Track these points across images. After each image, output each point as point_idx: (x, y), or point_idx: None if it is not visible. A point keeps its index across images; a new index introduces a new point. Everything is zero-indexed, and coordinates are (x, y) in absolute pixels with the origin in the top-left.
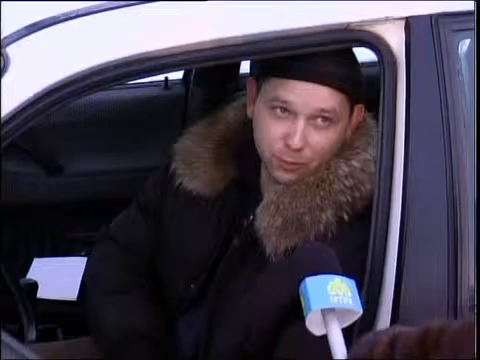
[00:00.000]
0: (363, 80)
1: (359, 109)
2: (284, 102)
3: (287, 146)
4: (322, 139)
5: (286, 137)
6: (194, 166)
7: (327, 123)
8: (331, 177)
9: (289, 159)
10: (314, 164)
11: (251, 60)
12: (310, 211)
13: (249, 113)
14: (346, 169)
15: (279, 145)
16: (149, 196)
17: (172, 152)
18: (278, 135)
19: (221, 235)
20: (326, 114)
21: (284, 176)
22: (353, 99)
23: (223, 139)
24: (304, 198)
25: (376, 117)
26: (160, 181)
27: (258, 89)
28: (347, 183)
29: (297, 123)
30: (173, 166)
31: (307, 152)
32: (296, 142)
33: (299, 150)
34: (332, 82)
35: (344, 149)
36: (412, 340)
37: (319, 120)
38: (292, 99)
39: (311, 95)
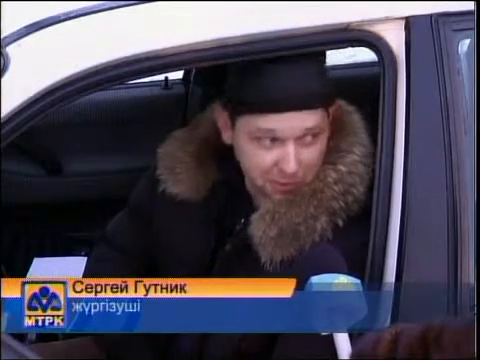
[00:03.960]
0: (332, 82)
1: (334, 110)
2: (269, 131)
3: (281, 171)
4: (312, 154)
5: (278, 163)
6: (176, 171)
7: (313, 138)
8: (321, 185)
9: (284, 181)
10: (309, 178)
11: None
12: (305, 221)
13: (226, 139)
14: (334, 175)
15: (273, 172)
16: (138, 201)
17: (156, 158)
18: (270, 163)
19: (212, 238)
20: (312, 131)
21: (283, 196)
22: (329, 106)
23: (205, 141)
24: (299, 208)
25: (362, 114)
26: (148, 186)
27: (232, 120)
28: (337, 189)
29: (288, 148)
30: (158, 172)
31: (301, 171)
32: (292, 167)
33: (296, 173)
34: (310, 104)
35: (330, 153)
36: (413, 337)
37: (306, 138)
38: (277, 127)
39: (293, 120)
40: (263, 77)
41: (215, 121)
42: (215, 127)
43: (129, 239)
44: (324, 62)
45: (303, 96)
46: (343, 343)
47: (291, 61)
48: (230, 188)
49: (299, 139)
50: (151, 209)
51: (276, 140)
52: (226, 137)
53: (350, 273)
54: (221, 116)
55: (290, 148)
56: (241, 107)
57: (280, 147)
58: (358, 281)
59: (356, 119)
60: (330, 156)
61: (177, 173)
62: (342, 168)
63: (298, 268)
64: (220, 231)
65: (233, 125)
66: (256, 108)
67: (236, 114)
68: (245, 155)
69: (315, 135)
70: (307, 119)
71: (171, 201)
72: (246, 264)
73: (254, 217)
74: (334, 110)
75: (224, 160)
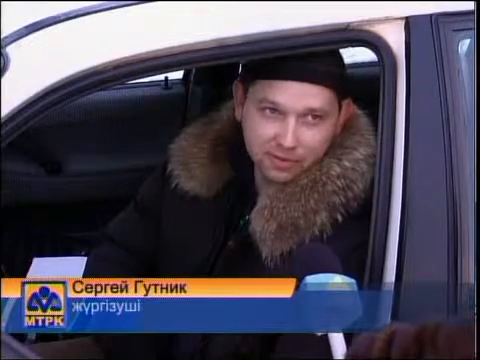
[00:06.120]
0: (349, 76)
1: (347, 105)
2: (273, 103)
3: (279, 145)
4: (313, 136)
5: (277, 137)
6: (190, 166)
7: (317, 120)
8: (324, 178)
9: (282, 155)
10: (307, 162)
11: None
12: (305, 215)
13: (238, 116)
14: (338, 169)
15: (271, 145)
16: (147, 197)
17: (169, 153)
18: (269, 135)
19: (219, 236)
20: (315, 112)
21: (279, 175)
22: (340, 95)
23: (219, 139)
24: (298, 202)
25: (368, 115)
26: (157, 182)
27: (245, 92)
28: (339, 183)
29: (288, 122)
30: (170, 167)
31: (300, 150)
32: (289, 141)
33: (292, 149)
34: (319, 80)
35: (335, 149)
36: (408, 337)
37: (309, 118)
38: (281, 99)
39: (299, 94)
40: None
41: (230, 118)
42: (229, 124)
43: (136, 237)
44: (340, 53)
45: (314, 70)
46: (338, 343)
47: None
48: (241, 186)
49: (301, 117)
50: (161, 206)
51: (279, 113)
52: (238, 114)
53: (345, 273)
54: (238, 89)
55: (290, 123)
56: (255, 72)
57: (281, 121)
58: (353, 281)
59: (364, 121)
60: (335, 151)
61: (191, 168)
62: (346, 164)
63: (294, 267)
64: (227, 228)
65: (245, 99)
66: (268, 73)
67: (250, 81)
68: (249, 125)
69: (320, 118)
70: (312, 97)
71: (182, 197)
72: (248, 260)
73: (253, 213)
74: (346, 105)
75: (237, 158)
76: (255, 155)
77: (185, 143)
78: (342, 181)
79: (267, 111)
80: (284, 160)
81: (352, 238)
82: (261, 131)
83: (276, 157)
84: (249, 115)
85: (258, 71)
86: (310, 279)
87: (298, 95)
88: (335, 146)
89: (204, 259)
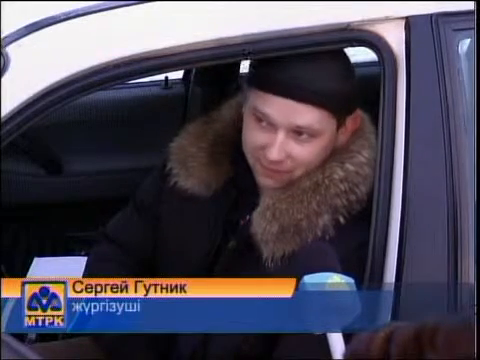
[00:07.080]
0: (352, 92)
1: (352, 120)
2: (263, 114)
3: (265, 156)
4: (304, 151)
5: (265, 147)
6: (189, 165)
7: (307, 136)
8: (327, 182)
9: (269, 166)
10: (298, 173)
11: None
12: (307, 217)
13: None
14: (341, 173)
15: (260, 153)
16: (146, 196)
17: (168, 152)
18: (258, 144)
19: (218, 235)
20: (303, 130)
21: (266, 181)
22: (339, 113)
23: (218, 138)
24: (301, 204)
25: (372, 118)
26: (156, 181)
27: (246, 94)
28: (342, 187)
29: (276, 135)
30: (169, 166)
31: (288, 163)
32: (274, 155)
33: (279, 162)
34: (307, 98)
35: (339, 152)
36: (408, 336)
37: (298, 134)
38: (269, 112)
39: (287, 110)
40: (280, 61)
41: (230, 117)
42: (230, 124)
43: (132, 236)
44: (350, 69)
45: (301, 87)
46: (336, 343)
47: (315, 57)
48: (240, 186)
49: (292, 132)
50: (159, 205)
51: (269, 124)
52: (243, 110)
53: (346, 273)
54: (243, 91)
55: (278, 137)
56: (253, 80)
57: (271, 132)
58: (352, 280)
59: (368, 124)
60: (339, 155)
61: (189, 167)
62: (350, 167)
63: (295, 267)
64: (227, 228)
65: (245, 102)
66: (258, 83)
67: (248, 86)
68: (244, 129)
69: (311, 135)
70: (300, 115)
71: (180, 196)
72: (249, 261)
73: (255, 214)
74: (352, 119)
75: (237, 158)
76: (248, 158)
77: (185, 142)
78: (345, 184)
79: (261, 120)
80: (271, 170)
81: (354, 239)
82: (253, 138)
83: (263, 166)
84: (246, 119)
85: (252, 79)
86: (308, 278)
87: (285, 111)
88: (339, 149)
89: (202, 258)
